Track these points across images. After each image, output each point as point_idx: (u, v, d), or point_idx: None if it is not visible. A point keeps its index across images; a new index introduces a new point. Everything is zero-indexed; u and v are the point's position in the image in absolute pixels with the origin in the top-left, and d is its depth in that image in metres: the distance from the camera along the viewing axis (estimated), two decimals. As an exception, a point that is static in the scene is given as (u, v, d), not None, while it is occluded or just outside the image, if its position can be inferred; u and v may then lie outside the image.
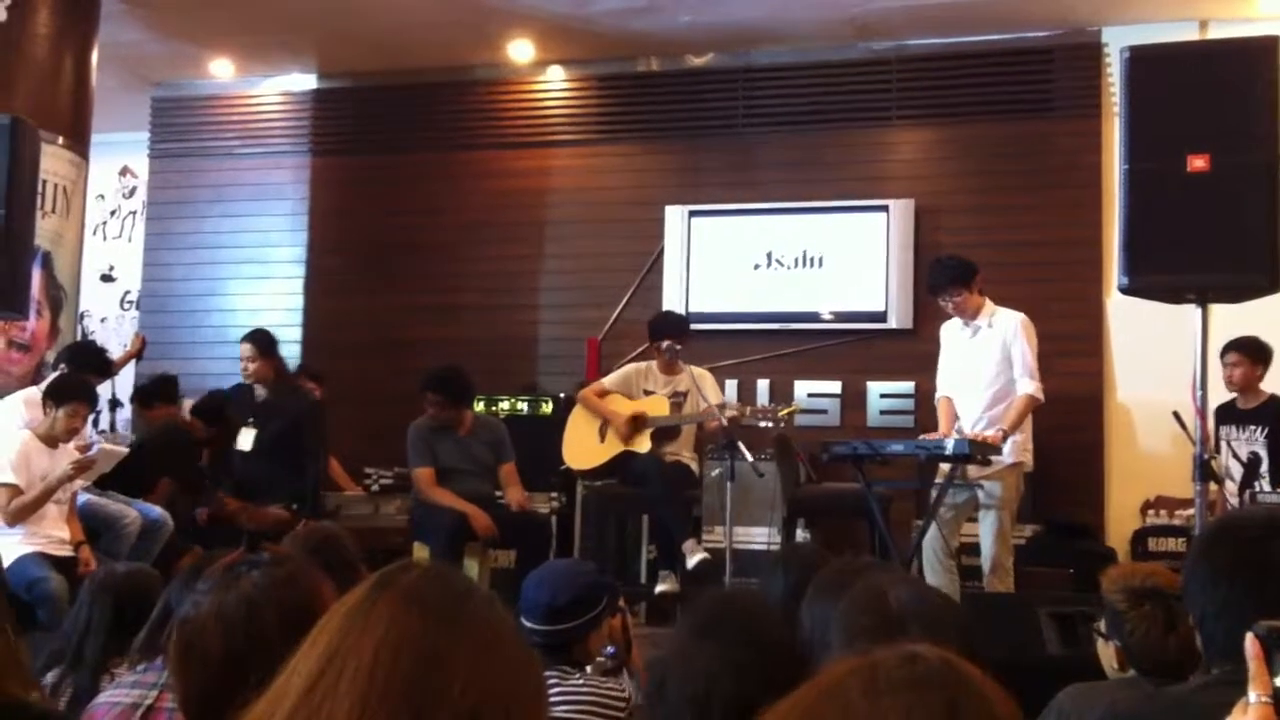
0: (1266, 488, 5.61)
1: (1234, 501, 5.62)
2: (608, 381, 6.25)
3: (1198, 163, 3.97)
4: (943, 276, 5.51)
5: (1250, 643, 1.31)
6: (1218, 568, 1.84)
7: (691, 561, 5.57)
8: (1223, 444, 5.94)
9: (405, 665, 1.12)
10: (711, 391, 5.96)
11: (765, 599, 2.12)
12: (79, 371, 5.89)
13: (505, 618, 1.23)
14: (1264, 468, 5.81)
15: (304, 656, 1.17)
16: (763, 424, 5.66)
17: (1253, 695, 1.30)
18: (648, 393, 6.12)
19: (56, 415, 5.32)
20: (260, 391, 6.27)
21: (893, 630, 1.72)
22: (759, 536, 6.39)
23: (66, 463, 5.28)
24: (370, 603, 1.18)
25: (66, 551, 5.29)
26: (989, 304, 5.51)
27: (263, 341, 6.35)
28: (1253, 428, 5.90)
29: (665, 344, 6.03)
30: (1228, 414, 6.00)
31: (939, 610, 1.85)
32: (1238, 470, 5.82)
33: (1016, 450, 5.29)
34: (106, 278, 9.66)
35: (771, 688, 1.75)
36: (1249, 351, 5.89)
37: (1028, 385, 5.29)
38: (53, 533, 5.28)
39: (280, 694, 1.15)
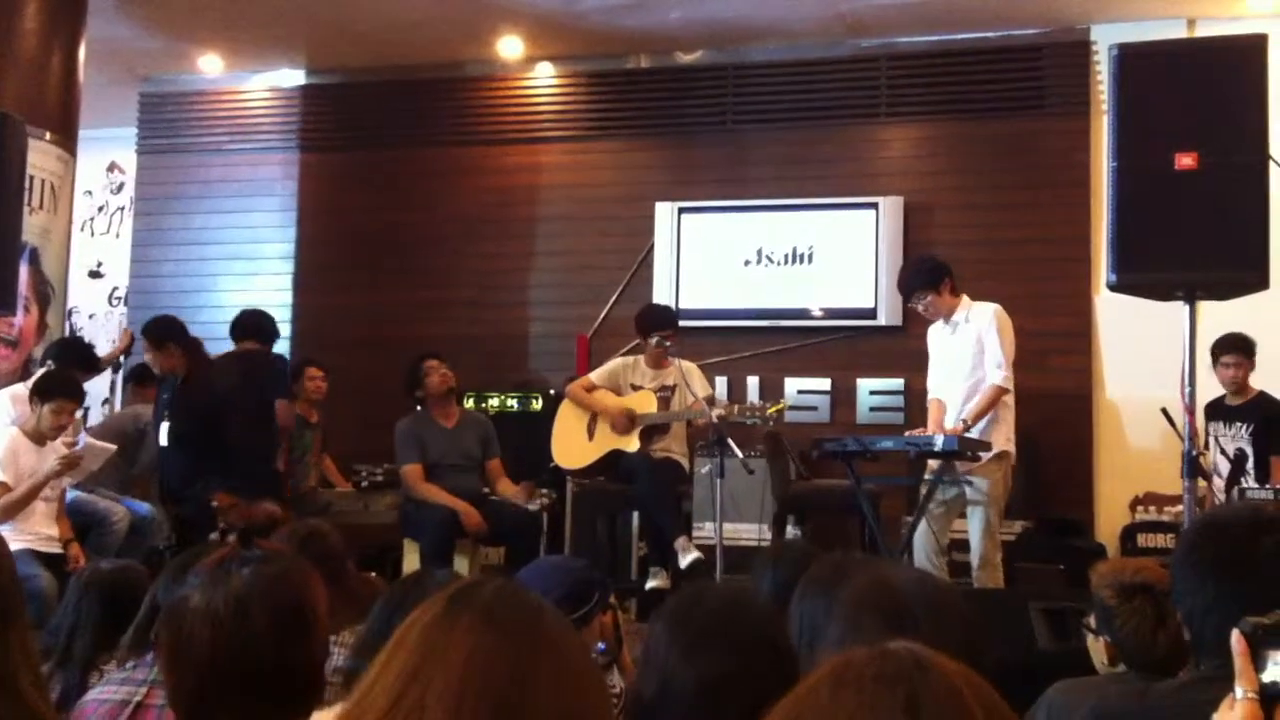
0: (1253, 483, 5.63)
1: (1220, 498, 5.65)
2: (595, 376, 6.25)
3: (1186, 160, 3.98)
4: (911, 281, 5.57)
5: (1236, 639, 1.32)
6: (1205, 565, 1.85)
7: (684, 561, 5.56)
8: (1211, 440, 5.96)
9: (493, 686, 1.14)
10: (699, 385, 5.96)
11: (746, 591, 2.10)
12: (66, 368, 5.87)
13: (575, 633, 1.25)
14: (1249, 464, 5.83)
15: (382, 673, 1.17)
16: (750, 422, 5.66)
17: (1239, 691, 1.30)
18: (635, 387, 6.12)
19: (42, 412, 5.31)
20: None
21: (900, 617, 1.71)
22: (749, 533, 6.39)
23: (54, 459, 5.27)
24: (449, 621, 1.19)
25: (55, 549, 5.28)
26: (966, 300, 5.52)
27: (153, 333, 6.08)
28: (1239, 424, 5.93)
29: (655, 339, 6.03)
30: (1217, 410, 6.03)
31: (944, 597, 1.85)
32: (1225, 467, 5.85)
33: (999, 439, 5.30)
34: (95, 274, 9.63)
35: (772, 682, 1.75)
36: (1248, 351, 5.91)
37: (996, 375, 5.30)
38: (41, 530, 5.26)
39: (360, 711, 1.16)
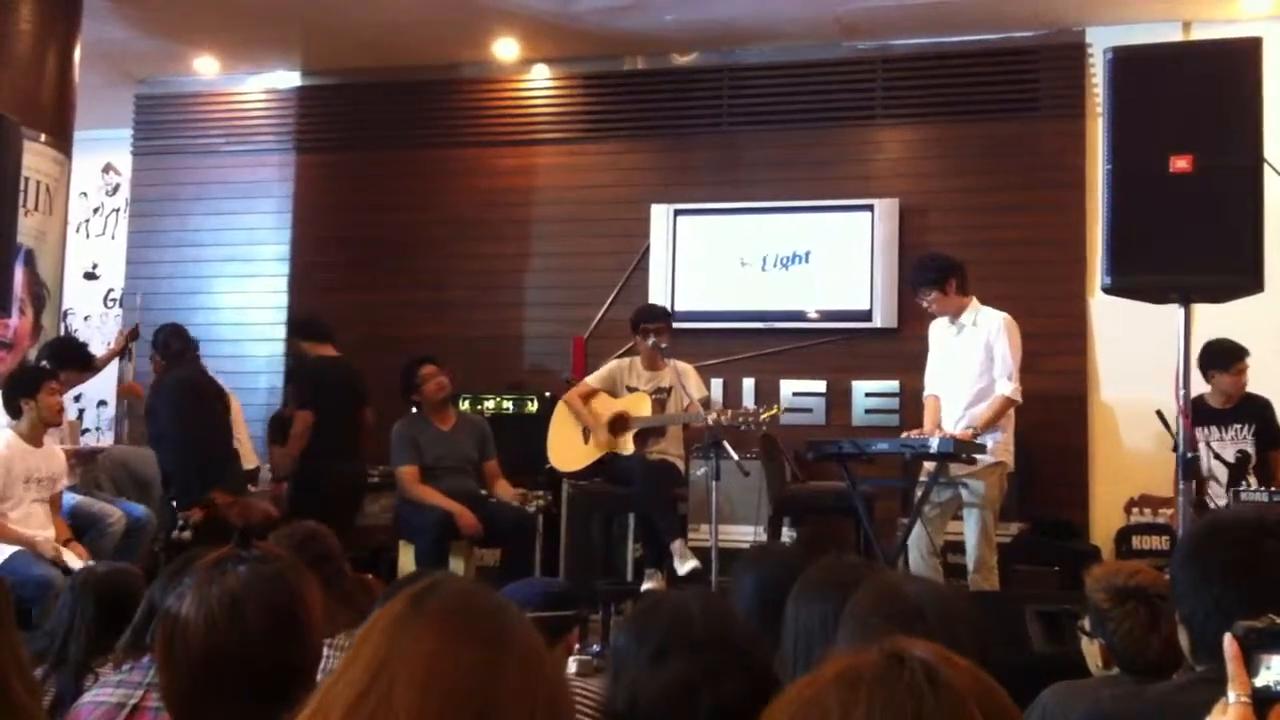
0: (1253, 484, 5.62)
1: (1216, 502, 5.62)
2: (593, 379, 6.25)
3: (1181, 163, 3.99)
4: (918, 276, 5.59)
5: (1229, 643, 1.32)
6: (1208, 568, 1.84)
7: (683, 569, 5.55)
8: (1202, 445, 5.89)
9: (460, 681, 1.14)
10: (694, 386, 5.96)
11: (704, 595, 2.11)
12: (62, 368, 5.88)
13: (536, 632, 1.25)
14: (1252, 464, 5.81)
15: (347, 668, 1.18)
16: (743, 427, 5.65)
17: (1232, 695, 1.31)
18: (631, 389, 6.12)
19: (35, 405, 5.29)
20: None
21: (910, 624, 1.71)
22: (744, 535, 6.39)
23: (48, 464, 5.28)
24: (411, 618, 1.19)
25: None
26: (974, 303, 5.53)
27: (155, 340, 6.50)
28: (1238, 426, 5.90)
29: (650, 337, 6.02)
30: (1202, 414, 5.91)
31: (954, 605, 1.85)
32: (1221, 470, 5.83)
33: (998, 450, 5.32)
34: (90, 275, 9.62)
35: (739, 682, 1.75)
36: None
37: (1005, 386, 5.33)
38: (39, 533, 5.26)
39: (326, 705, 1.16)
